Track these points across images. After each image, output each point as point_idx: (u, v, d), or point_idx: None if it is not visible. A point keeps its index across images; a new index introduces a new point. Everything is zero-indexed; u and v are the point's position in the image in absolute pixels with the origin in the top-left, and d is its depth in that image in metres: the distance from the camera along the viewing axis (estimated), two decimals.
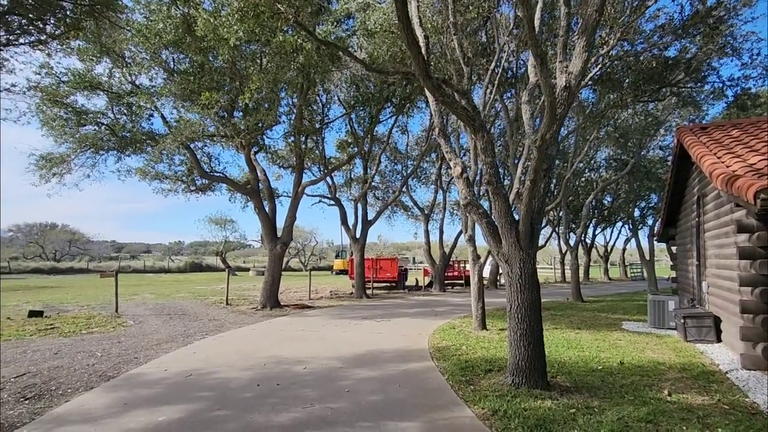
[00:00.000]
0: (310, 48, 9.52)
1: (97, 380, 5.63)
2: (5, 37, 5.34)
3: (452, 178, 23.89)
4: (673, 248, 13.04)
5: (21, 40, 5.70)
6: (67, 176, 12.51)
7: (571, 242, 18.50)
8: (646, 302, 10.79)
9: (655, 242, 21.81)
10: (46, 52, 7.38)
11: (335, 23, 10.25)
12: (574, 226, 27.83)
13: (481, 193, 14.30)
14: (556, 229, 29.53)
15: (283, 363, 6.53)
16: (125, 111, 12.67)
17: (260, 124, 10.83)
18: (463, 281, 24.96)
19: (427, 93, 6.05)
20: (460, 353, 7.11)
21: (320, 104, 16.47)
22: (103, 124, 12.04)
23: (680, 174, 10.44)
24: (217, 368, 6.20)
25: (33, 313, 11.09)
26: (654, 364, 6.61)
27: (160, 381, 5.57)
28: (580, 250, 29.15)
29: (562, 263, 32.08)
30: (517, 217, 5.21)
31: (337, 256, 47.26)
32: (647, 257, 21.17)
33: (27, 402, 4.77)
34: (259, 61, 9.96)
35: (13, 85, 7.55)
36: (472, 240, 9.43)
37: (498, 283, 25.16)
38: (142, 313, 12.53)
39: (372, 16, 8.94)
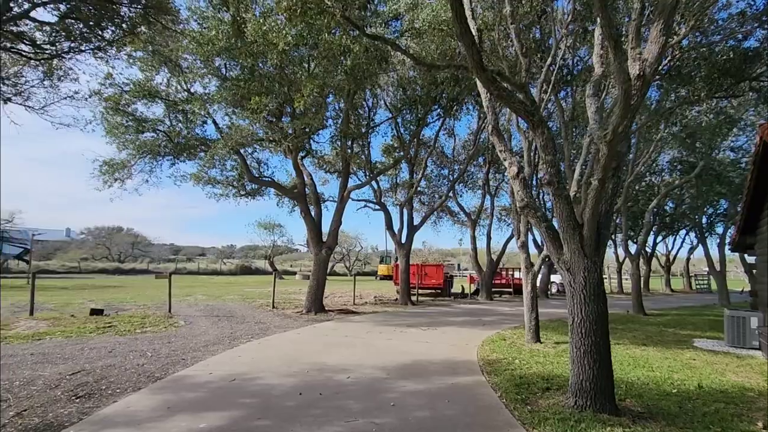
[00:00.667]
0: (358, 50, 9.42)
1: (145, 381, 5.67)
2: (68, 45, 5.58)
3: (500, 182, 23.15)
4: (751, 258, 11.71)
5: (83, 47, 5.94)
6: (127, 181, 13.19)
7: (631, 250, 17.24)
8: (719, 317, 9.74)
9: (727, 252, 19.94)
10: (105, 59, 7.73)
11: (383, 25, 10.10)
12: (632, 233, 26.09)
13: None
14: (613, 236, 27.80)
15: (327, 371, 6.34)
16: (181, 119, 13.17)
17: (307, 129, 10.85)
18: (510, 289, 24.02)
19: (480, 88, 5.68)
20: (513, 368, 6.62)
21: (366, 108, 16.40)
22: (160, 131, 12.55)
23: (762, 176, 9.34)
24: (260, 373, 6.10)
25: (94, 311, 11.65)
26: (739, 389, 5.83)
27: (204, 384, 5.52)
28: (641, 260, 27.30)
29: (619, 273, 30.16)
30: (579, 221, 4.72)
31: (381, 262, 47.21)
32: (717, 268, 19.36)
33: (78, 401, 4.84)
34: (306, 65, 9.98)
35: (76, 92, 7.99)
36: (525, 246, 8.88)
37: (548, 293, 23.99)
38: (193, 313, 12.87)
39: (420, 14, 8.69)
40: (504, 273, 24.70)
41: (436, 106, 13.65)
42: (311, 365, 6.64)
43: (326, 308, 14.10)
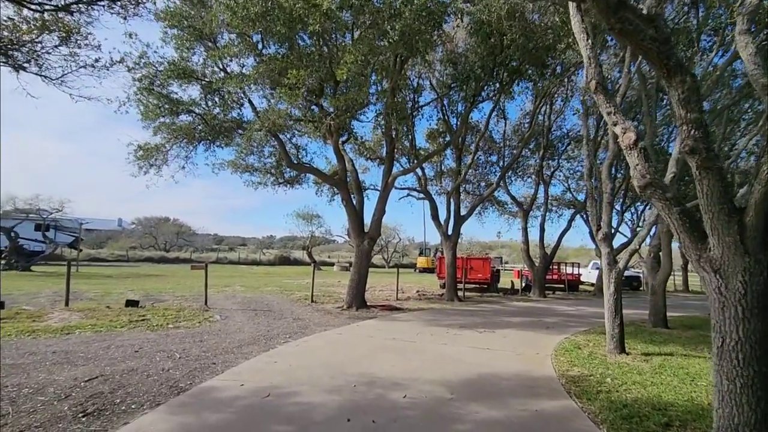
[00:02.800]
0: (409, 15, 8.22)
1: (167, 393, 4.81)
2: None
3: (554, 170, 21.31)
4: None
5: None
6: (164, 168, 12.65)
7: None
8: None
9: None
10: (123, 15, 6.95)
11: None
12: None
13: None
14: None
15: (377, 385, 5.28)
16: (217, 101, 12.46)
17: (350, 106, 9.77)
18: (563, 286, 22.28)
19: (578, 33, 4.38)
20: (607, 389, 5.32)
21: (411, 89, 15.17)
22: (195, 113, 11.87)
23: None
24: (299, 386, 5.12)
25: (129, 303, 11.20)
26: None
27: (233, 401, 4.59)
28: None
29: (685, 269, 27.55)
30: (737, 205, 3.38)
31: (420, 254, 46.03)
32: None
33: (84, 420, 4.01)
34: (351, 32, 8.88)
35: (96, 60, 7.27)
36: (608, 239, 7.45)
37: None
38: (230, 307, 12.22)
39: None
40: (555, 268, 22.93)
41: (492, 81, 12.20)
42: (358, 376, 5.61)
43: (368, 304, 13.12)
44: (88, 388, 4.88)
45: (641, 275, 26.78)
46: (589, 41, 4.44)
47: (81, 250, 32.01)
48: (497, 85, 12.34)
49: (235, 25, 8.92)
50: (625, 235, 24.38)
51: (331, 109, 9.84)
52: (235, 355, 6.72)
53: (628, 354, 7.27)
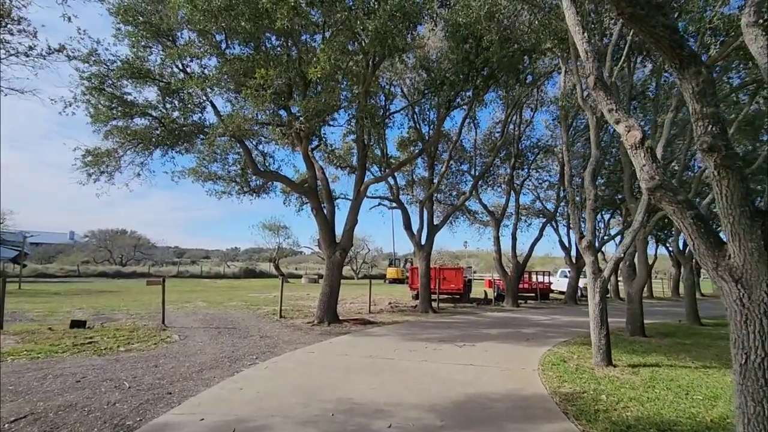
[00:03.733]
0: (383, 14, 7.83)
1: None
2: None
3: (524, 179, 21.45)
4: None
5: None
6: (117, 176, 11.65)
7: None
8: None
9: None
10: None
11: None
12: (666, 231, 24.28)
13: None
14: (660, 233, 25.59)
15: (357, 413, 4.72)
16: (177, 104, 11.63)
17: (320, 110, 9.24)
18: (534, 294, 22.33)
19: (572, 26, 4.08)
20: (605, 408, 4.97)
21: (383, 95, 14.82)
22: (152, 116, 11.00)
23: None
24: (268, 418, 4.49)
25: (75, 324, 10.09)
26: None
27: None
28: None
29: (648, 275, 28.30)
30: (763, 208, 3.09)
31: (390, 264, 45.60)
32: None
33: None
34: (321, 32, 8.41)
35: (30, 48, 6.42)
36: (592, 247, 7.23)
37: (578, 298, 22.21)
38: (190, 324, 11.30)
39: None
40: (527, 277, 23.00)
41: (466, 88, 11.97)
42: (335, 403, 5.02)
43: (340, 318, 12.48)
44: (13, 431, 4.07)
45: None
46: (585, 34, 4.16)
47: (25, 266, 29.56)
48: (471, 91, 12.15)
49: (195, 21, 8.26)
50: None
51: (300, 113, 9.29)
52: (194, 381, 5.98)
53: (615, 366, 7.01)
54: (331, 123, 11.44)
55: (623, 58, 7.09)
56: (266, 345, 8.75)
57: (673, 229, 16.85)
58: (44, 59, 6.63)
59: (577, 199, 23.18)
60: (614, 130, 10.40)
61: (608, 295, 26.04)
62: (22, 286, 24.47)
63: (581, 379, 6.20)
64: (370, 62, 10.09)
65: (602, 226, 25.68)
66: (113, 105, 10.33)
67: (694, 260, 14.62)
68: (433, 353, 8.13)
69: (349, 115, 12.25)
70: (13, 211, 36.83)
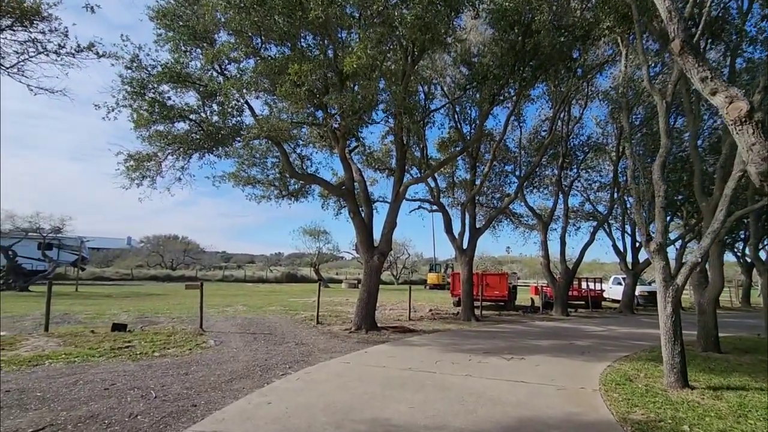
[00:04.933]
0: (421, 1, 7.32)
1: None
2: None
3: (573, 180, 20.15)
4: None
5: None
6: (159, 180, 11.77)
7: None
8: None
9: None
10: None
11: None
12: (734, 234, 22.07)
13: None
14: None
15: None
16: (215, 109, 11.62)
17: (358, 106, 8.81)
18: (584, 303, 20.87)
19: None
20: None
21: (422, 93, 14.28)
22: (191, 120, 11.02)
23: None
24: None
25: (116, 327, 10.18)
26: None
27: None
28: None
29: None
30: None
31: (431, 270, 44.72)
32: None
33: None
34: (357, 24, 8.01)
35: (60, 47, 6.40)
36: (663, 250, 6.31)
37: (635, 308, 20.55)
38: (228, 329, 11.16)
39: None
40: (576, 284, 21.59)
41: (512, 80, 11.18)
42: (370, 424, 4.49)
43: (378, 325, 11.97)
44: None
45: None
46: None
47: (83, 269, 31.25)
48: (516, 85, 11.33)
49: (230, 20, 8.08)
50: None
51: (337, 111, 8.93)
52: (222, 392, 5.64)
53: (692, 388, 6.06)
54: (369, 122, 11.00)
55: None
56: (300, 353, 8.38)
57: (749, 231, 15.13)
58: (74, 57, 6.62)
59: (628, 200, 21.62)
60: (684, 118, 9.32)
61: None
62: (80, 288, 25.78)
63: (654, 404, 5.33)
64: (409, 57, 9.59)
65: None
66: (154, 110, 10.39)
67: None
68: (478, 367, 7.44)
69: (387, 114, 11.77)
70: (72, 217, 39.10)
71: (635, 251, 21.13)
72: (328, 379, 6.37)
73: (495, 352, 8.79)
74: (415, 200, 17.86)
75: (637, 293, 21.91)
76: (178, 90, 10.97)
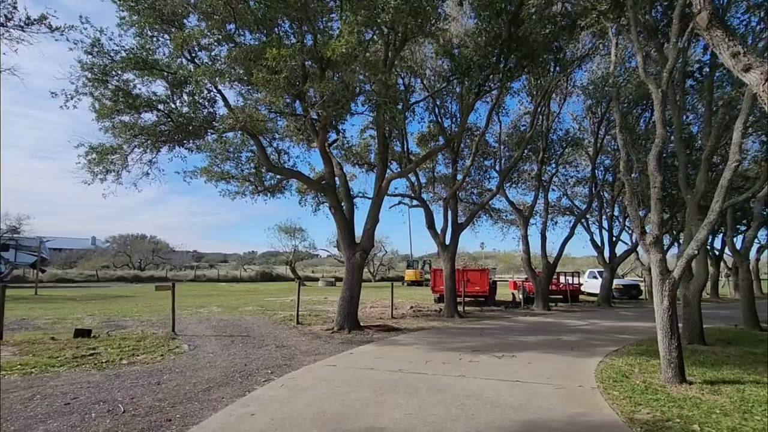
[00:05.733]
0: None
1: None
2: None
3: (552, 175, 20.23)
4: None
5: None
6: (124, 175, 11.02)
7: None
8: None
9: None
10: None
11: None
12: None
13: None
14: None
15: None
16: (186, 99, 10.92)
17: (339, 98, 8.39)
18: (562, 297, 21.06)
19: None
20: None
21: (402, 87, 13.92)
22: (159, 110, 10.32)
23: None
24: None
25: (79, 333, 9.42)
26: None
27: None
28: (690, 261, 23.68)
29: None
30: None
31: (408, 266, 44.61)
32: None
33: None
34: (339, 9, 7.54)
35: (8, 18, 5.70)
36: (659, 242, 6.17)
37: (611, 301, 20.85)
38: (202, 332, 10.55)
39: None
40: (555, 278, 21.76)
41: (497, 70, 10.93)
42: None
43: (361, 324, 11.60)
44: None
45: (641, 283, 25.87)
46: None
47: (43, 271, 29.51)
48: (501, 76, 11.07)
49: (200, 1, 7.48)
50: (625, 243, 23.48)
51: (317, 100, 8.47)
52: (199, 403, 5.14)
53: (690, 384, 5.94)
54: (351, 113, 10.54)
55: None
56: (282, 356, 7.91)
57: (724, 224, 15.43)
58: (23, 30, 5.93)
59: (605, 195, 21.93)
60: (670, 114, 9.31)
61: (642, 297, 24.68)
62: (39, 291, 24.28)
63: (657, 402, 5.16)
64: (391, 46, 9.20)
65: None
66: (118, 98, 9.66)
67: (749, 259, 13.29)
68: (470, 366, 7.16)
69: (369, 106, 11.35)
70: (30, 216, 36.99)
71: (612, 245, 21.47)
72: (314, 384, 5.94)
73: (484, 350, 8.55)
74: (395, 195, 17.54)
75: (612, 287, 22.31)
76: (145, 78, 10.26)
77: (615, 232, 21.86)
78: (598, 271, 25.86)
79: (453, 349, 8.71)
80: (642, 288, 25.19)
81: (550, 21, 9.27)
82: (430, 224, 15.64)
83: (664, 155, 14.16)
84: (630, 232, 23.69)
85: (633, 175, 6.88)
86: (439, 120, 15.61)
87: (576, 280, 23.01)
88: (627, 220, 22.22)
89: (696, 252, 6.03)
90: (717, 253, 27.56)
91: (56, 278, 36.78)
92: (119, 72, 9.64)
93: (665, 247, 24.09)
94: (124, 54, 9.53)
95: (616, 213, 21.93)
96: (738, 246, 13.50)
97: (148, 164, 11.00)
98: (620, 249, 22.27)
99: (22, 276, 32.79)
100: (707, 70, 9.59)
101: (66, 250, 57.92)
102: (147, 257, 58.66)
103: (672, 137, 9.26)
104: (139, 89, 10.28)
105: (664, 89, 6.11)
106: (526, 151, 17.34)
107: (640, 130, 15.44)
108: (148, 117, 10.68)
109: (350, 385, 5.89)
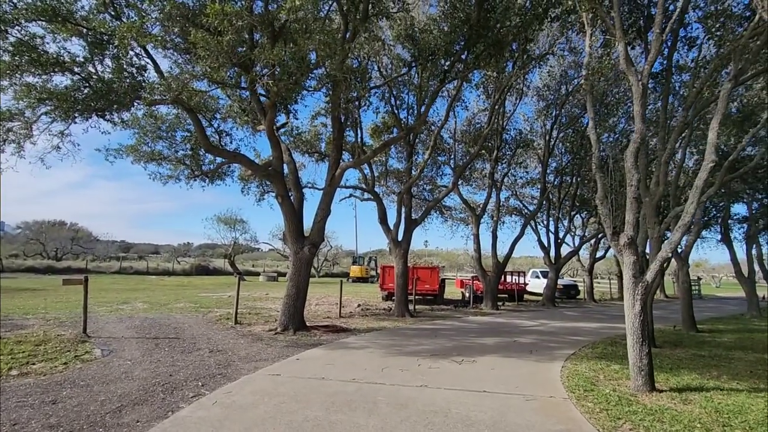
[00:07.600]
0: None
1: None
2: None
3: (504, 175, 20.27)
4: None
5: None
6: (28, 147, 9.25)
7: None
8: None
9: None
10: None
11: None
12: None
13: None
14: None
15: None
16: (110, 63, 9.34)
17: (292, 68, 7.40)
18: (509, 296, 21.26)
19: None
20: None
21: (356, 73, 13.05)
22: (75, 72, 8.72)
23: None
24: None
25: None
26: None
27: None
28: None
29: (619, 276, 28.10)
30: None
31: (354, 263, 43.87)
32: (745, 272, 17.39)
33: None
34: None
35: None
36: (633, 244, 5.85)
37: (555, 302, 21.32)
38: (121, 333, 9.13)
39: None
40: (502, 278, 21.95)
41: (464, 56, 10.35)
42: None
43: (308, 324, 10.66)
44: None
45: (579, 284, 26.89)
46: None
47: None
48: (465, 63, 10.54)
49: None
50: (569, 245, 24.19)
51: (267, 70, 7.42)
52: (105, 430, 4.05)
53: (660, 392, 5.68)
54: (305, 90, 9.49)
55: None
56: (217, 363, 6.83)
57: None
58: None
59: (552, 197, 22.43)
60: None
61: (581, 297, 25.62)
62: None
63: (636, 415, 4.77)
64: (351, 24, 8.33)
65: (574, 226, 25.17)
66: (21, 53, 8.00)
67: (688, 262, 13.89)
68: (431, 374, 6.52)
69: (325, 88, 10.35)
70: None
71: (557, 246, 22.01)
72: (254, 401, 4.99)
73: (443, 354, 7.97)
74: (347, 187, 16.65)
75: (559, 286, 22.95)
76: (57, 33, 8.61)
77: (560, 234, 22.41)
78: (541, 271, 26.57)
79: (409, 353, 8.05)
80: (580, 288, 26.16)
81: (519, 12, 8.85)
82: (383, 219, 14.95)
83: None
84: (573, 234, 24.51)
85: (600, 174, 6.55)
86: (395, 111, 14.93)
87: (522, 280, 23.38)
88: (571, 223, 22.97)
89: (669, 254, 5.78)
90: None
91: None
92: (23, 21, 7.98)
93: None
94: (30, 0, 7.89)
95: (561, 215, 22.50)
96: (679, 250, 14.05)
97: (59, 136, 9.32)
98: (566, 250, 23.03)
99: None
100: (665, 73, 9.65)
101: None
102: (65, 246, 53.17)
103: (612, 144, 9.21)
104: (51, 47, 8.63)
105: (644, 82, 5.80)
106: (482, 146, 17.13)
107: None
108: (60, 80, 9.03)
109: (298, 401, 5.01)
